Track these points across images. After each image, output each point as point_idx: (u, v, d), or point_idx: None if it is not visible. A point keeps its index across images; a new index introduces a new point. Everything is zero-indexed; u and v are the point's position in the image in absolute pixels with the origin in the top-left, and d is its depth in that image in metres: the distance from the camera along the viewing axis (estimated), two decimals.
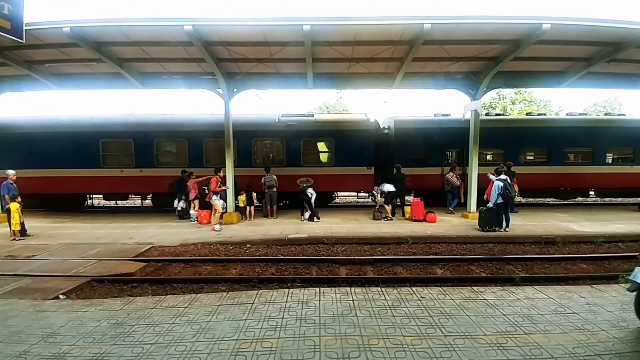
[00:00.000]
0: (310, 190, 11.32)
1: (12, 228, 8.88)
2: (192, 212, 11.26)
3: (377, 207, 11.61)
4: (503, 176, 9.44)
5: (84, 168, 13.07)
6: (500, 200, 9.30)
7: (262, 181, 11.61)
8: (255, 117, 13.76)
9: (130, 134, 13.18)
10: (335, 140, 13.45)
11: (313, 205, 11.22)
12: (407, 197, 12.84)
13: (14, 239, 8.84)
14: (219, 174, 10.60)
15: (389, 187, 11.32)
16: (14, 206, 8.89)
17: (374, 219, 11.19)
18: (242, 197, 11.56)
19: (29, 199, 11.95)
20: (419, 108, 56.68)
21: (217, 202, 10.47)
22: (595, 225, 10.01)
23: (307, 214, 11.17)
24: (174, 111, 19.82)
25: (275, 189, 11.70)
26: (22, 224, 9.11)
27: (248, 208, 11.64)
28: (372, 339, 3.49)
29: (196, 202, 11.38)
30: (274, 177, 11.67)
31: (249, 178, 12.17)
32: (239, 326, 3.79)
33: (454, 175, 12.20)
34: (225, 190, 10.84)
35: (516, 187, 12.01)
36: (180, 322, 3.93)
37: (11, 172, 9.50)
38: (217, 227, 9.89)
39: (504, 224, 9.45)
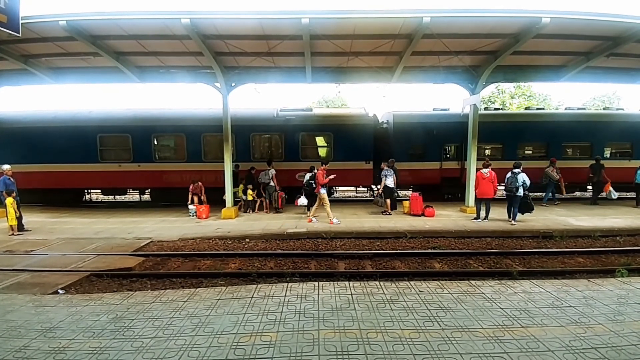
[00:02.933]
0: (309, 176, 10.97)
1: (9, 223, 8.87)
2: (190, 207, 11.25)
3: (377, 194, 11.60)
4: (517, 170, 9.50)
5: (82, 163, 13.03)
6: (521, 192, 9.47)
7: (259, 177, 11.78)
8: (253, 111, 13.73)
9: (128, 128, 13.12)
10: (334, 134, 13.45)
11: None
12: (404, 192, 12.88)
13: (12, 234, 8.83)
14: (324, 166, 10.23)
15: (390, 182, 11.31)
16: (8, 201, 8.87)
17: (377, 204, 11.17)
18: (250, 191, 11.73)
19: (27, 194, 11.94)
20: (417, 103, 56.65)
21: (325, 195, 10.12)
22: (593, 219, 10.05)
23: (303, 199, 10.87)
24: (172, 105, 19.73)
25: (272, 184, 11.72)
26: (18, 219, 9.09)
27: (259, 201, 11.87)
28: (371, 333, 3.51)
29: (195, 197, 11.40)
30: (272, 172, 11.68)
31: (246, 173, 12.23)
32: (238, 320, 3.81)
33: (554, 170, 12.38)
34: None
35: (608, 185, 12.34)
36: (180, 316, 3.94)
37: (6, 166, 9.46)
38: (335, 220, 9.81)
39: (511, 215, 9.69)
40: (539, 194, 15.23)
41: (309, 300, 4.34)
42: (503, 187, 9.66)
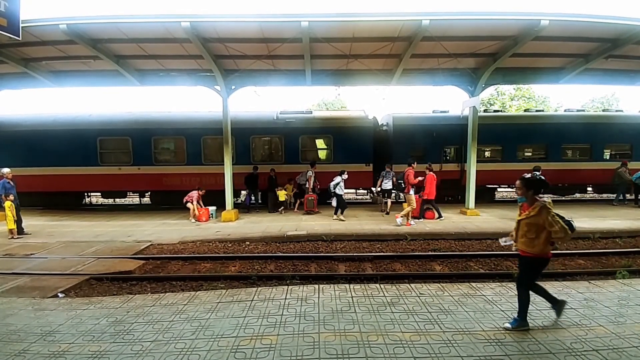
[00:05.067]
0: (339, 182, 10.75)
1: (7, 227, 8.87)
2: (210, 208, 11.33)
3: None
4: (537, 172, 10.11)
5: (82, 166, 13.04)
6: None
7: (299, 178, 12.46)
8: (253, 114, 13.76)
9: (128, 131, 13.15)
10: (334, 137, 13.47)
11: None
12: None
13: (12, 238, 8.82)
14: (413, 165, 10.09)
15: (387, 184, 11.50)
16: (6, 204, 8.87)
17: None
18: (283, 192, 12.19)
19: (27, 197, 11.93)
20: (417, 105, 56.73)
21: (412, 196, 9.87)
22: (593, 221, 10.03)
23: (334, 200, 10.91)
24: (172, 108, 19.72)
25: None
26: (18, 223, 9.07)
27: (299, 201, 12.40)
28: (371, 336, 3.50)
29: (190, 205, 11.02)
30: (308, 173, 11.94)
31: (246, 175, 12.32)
32: (239, 323, 3.80)
33: (626, 171, 12.53)
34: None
35: None
36: (180, 319, 3.93)
37: (6, 170, 9.43)
38: (413, 222, 9.77)
39: None
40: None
41: (310, 303, 4.33)
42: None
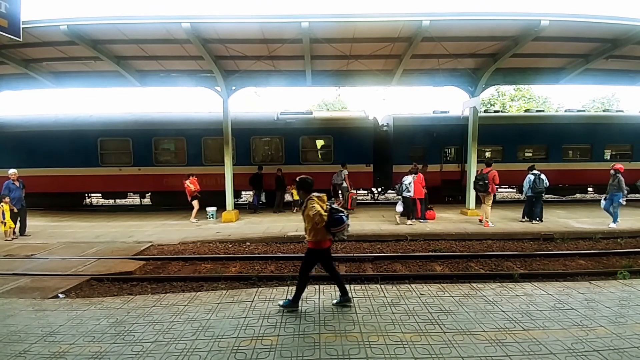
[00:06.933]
0: (412, 182, 9.82)
1: (6, 228, 8.87)
2: (209, 209, 11.35)
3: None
4: (536, 171, 10.10)
5: (82, 167, 13.04)
6: (530, 193, 10.02)
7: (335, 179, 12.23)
8: (253, 115, 13.77)
9: (129, 132, 13.16)
10: (334, 137, 13.47)
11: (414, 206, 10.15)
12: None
13: (12, 239, 8.82)
14: (493, 166, 9.98)
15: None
16: (5, 207, 8.89)
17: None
18: (295, 190, 12.20)
19: (27, 198, 11.91)
20: (417, 105, 56.75)
21: (491, 196, 9.63)
22: (594, 221, 10.03)
23: (399, 206, 10.08)
24: (172, 109, 19.72)
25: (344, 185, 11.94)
26: (20, 223, 9.08)
27: (336, 201, 12.08)
28: (372, 336, 3.50)
29: (195, 203, 11.05)
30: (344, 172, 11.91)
31: (246, 176, 12.27)
32: (239, 324, 3.80)
33: None
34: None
35: None
36: (180, 320, 3.93)
37: (12, 171, 9.42)
38: (491, 224, 9.59)
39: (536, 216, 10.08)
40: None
41: (310, 303, 4.33)
42: (530, 189, 10.03)
